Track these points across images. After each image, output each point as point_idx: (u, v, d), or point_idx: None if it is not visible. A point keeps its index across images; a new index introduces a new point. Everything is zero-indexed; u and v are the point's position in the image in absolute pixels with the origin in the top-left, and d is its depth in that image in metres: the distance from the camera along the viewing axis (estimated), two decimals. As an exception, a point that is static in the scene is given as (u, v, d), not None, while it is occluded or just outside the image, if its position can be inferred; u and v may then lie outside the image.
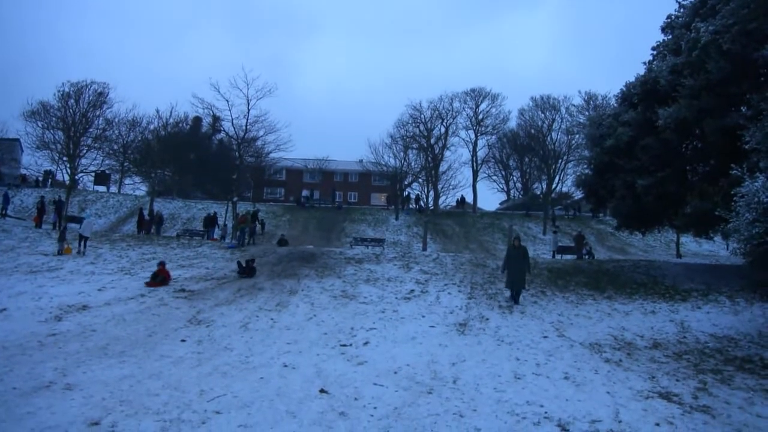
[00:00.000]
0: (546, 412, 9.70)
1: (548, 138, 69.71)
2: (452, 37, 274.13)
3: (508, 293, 22.07)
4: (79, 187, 64.52)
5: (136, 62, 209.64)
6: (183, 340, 15.38)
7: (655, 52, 27.38)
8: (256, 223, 43.86)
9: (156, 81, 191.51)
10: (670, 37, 26.42)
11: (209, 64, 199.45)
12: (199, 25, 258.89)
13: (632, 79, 27.15)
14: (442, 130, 74.09)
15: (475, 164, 76.52)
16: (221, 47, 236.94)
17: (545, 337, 16.23)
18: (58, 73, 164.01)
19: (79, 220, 42.76)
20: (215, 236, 45.44)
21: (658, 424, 9.17)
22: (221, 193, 69.07)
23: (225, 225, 47.90)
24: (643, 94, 25.37)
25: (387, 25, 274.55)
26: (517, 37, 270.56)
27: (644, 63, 27.56)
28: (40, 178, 68.21)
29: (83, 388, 10.68)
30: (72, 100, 53.44)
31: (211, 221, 47.47)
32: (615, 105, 30.16)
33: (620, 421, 9.31)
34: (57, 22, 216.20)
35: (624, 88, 27.58)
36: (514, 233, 36.77)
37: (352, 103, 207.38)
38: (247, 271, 25.91)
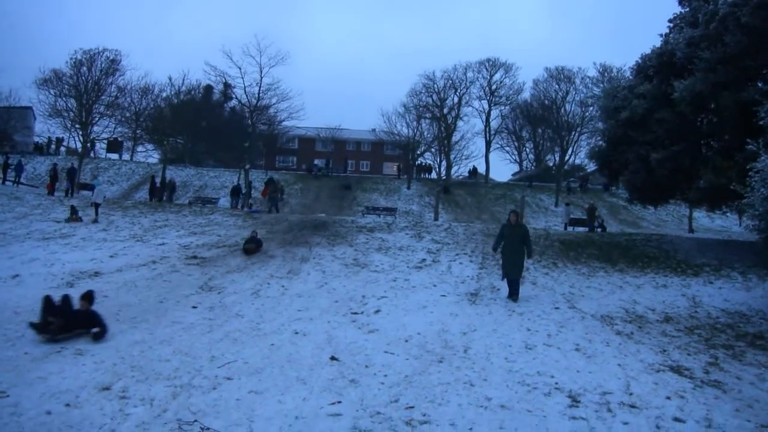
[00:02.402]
0: (557, 383, 9.71)
1: (562, 109, 69.45)
2: (444, 8, 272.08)
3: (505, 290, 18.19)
4: (91, 154, 64.71)
5: (127, 32, 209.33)
6: (194, 307, 15.44)
7: (671, 25, 27.11)
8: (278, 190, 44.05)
9: (151, 51, 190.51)
10: (687, 9, 26.15)
11: (203, 35, 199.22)
12: None
13: (647, 51, 26.98)
14: (456, 100, 73.89)
15: (488, 135, 76.49)
16: (212, 15, 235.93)
17: (556, 308, 16.19)
18: (64, 41, 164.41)
19: (91, 188, 42.89)
20: (238, 205, 45.34)
21: (669, 398, 9.16)
22: (233, 161, 69.10)
23: (246, 193, 47.88)
24: (658, 67, 25.20)
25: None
26: (512, 11, 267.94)
27: (660, 35, 27.32)
28: (43, 144, 68.52)
29: (94, 353, 10.76)
30: (84, 68, 53.59)
31: (237, 191, 47.46)
32: (630, 77, 29.91)
33: (631, 394, 9.30)
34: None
35: (639, 60, 27.38)
36: (519, 206, 36.56)
37: (351, 74, 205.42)
38: (48, 329, 11.74)
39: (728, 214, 32.85)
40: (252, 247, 23.99)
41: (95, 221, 29.32)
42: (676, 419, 8.34)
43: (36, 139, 71.21)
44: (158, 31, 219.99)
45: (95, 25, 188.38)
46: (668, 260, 22.93)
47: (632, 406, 8.77)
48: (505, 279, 17.84)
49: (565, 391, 9.31)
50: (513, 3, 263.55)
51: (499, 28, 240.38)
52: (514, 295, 17.34)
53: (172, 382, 9.24)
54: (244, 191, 47.43)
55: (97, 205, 30.64)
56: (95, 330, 11.99)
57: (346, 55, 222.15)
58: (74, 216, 29.35)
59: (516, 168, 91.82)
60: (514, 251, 17.47)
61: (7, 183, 44.52)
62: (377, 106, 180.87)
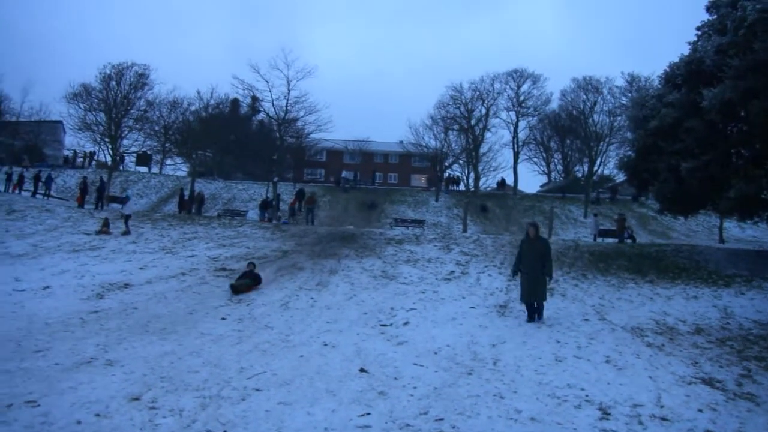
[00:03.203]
0: (587, 395, 9.62)
1: (590, 120, 69.08)
2: (457, 24, 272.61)
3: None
4: (120, 167, 65.40)
5: (148, 45, 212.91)
6: (223, 318, 15.54)
7: (699, 32, 26.88)
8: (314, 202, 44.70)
9: (173, 65, 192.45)
10: (715, 16, 25.90)
11: (220, 51, 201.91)
12: (199, 12, 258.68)
13: (675, 60, 26.76)
14: (483, 111, 73.80)
15: (515, 146, 76.24)
16: (225, 32, 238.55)
17: (586, 320, 16.06)
18: (86, 55, 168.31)
19: (121, 200, 43.42)
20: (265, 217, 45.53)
21: (701, 411, 9.05)
22: (262, 174, 69.40)
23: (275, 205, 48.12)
24: (687, 75, 24.95)
25: (390, 10, 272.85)
26: (527, 23, 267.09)
27: (688, 43, 27.08)
28: (69, 157, 69.60)
29: (124, 364, 10.83)
30: (113, 82, 54.15)
31: (267, 204, 47.65)
32: (658, 86, 29.70)
33: (662, 406, 9.19)
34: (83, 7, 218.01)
35: (668, 69, 27.14)
36: (548, 217, 36.32)
37: (371, 87, 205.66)
38: None
39: (759, 223, 32.52)
40: (243, 284, 19.59)
41: (125, 233, 29.59)
42: (709, 432, 8.26)
43: (65, 152, 72.25)
44: (178, 47, 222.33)
45: (109, 36, 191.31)
46: (699, 271, 22.72)
47: (663, 419, 8.68)
48: (525, 303, 16.01)
49: (596, 404, 9.23)
50: (535, 12, 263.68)
51: (519, 39, 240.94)
52: (534, 312, 15.81)
53: (202, 393, 9.27)
54: (273, 204, 47.62)
55: (127, 217, 30.94)
56: None
57: (365, 68, 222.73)
58: (104, 228, 29.62)
59: (544, 179, 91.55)
60: (534, 271, 15.57)
61: (37, 196, 45.02)
62: (398, 117, 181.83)
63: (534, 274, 15.56)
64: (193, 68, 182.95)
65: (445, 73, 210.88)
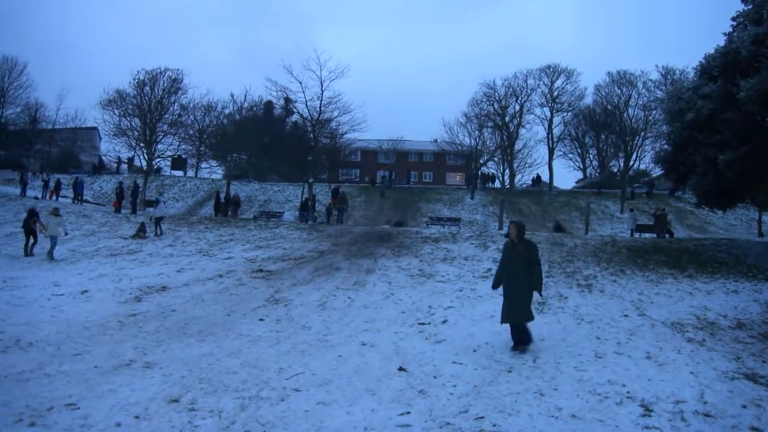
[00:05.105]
0: (628, 392, 9.49)
1: (625, 114, 68.73)
2: (471, 20, 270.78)
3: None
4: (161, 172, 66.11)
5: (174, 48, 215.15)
6: (261, 319, 15.51)
7: (735, 23, 26.55)
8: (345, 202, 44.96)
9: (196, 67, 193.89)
10: (750, 6, 25.58)
11: (226, 53, 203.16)
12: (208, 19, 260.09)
13: (711, 51, 26.43)
14: (517, 107, 73.93)
15: (550, 142, 76.21)
16: (232, 35, 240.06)
17: (625, 315, 15.88)
18: (108, 62, 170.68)
19: (155, 204, 44.00)
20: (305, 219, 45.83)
21: (744, 407, 8.89)
22: (296, 175, 69.61)
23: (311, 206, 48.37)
24: (723, 66, 24.61)
25: (396, 10, 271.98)
26: (544, 17, 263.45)
27: (724, 34, 26.72)
28: (96, 163, 70.68)
29: (163, 366, 10.85)
30: (147, 88, 54.59)
31: (306, 206, 47.94)
32: (694, 78, 29.37)
33: (706, 403, 9.04)
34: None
35: (703, 60, 26.83)
36: (578, 213, 35.96)
37: (382, 89, 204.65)
38: None
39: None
40: None
41: (157, 235, 29.90)
42: (754, 429, 8.10)
43: (100, 157, 73.29)
44: (192, 50, 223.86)
45: (127, 41, 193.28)
46: (738, 265, 22.46)
47: (707, 415, 8.53)
48: (506, 322, 12.45)
49: (638, 400, 9.11)
50: (552, 4, 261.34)
51: (538, 34, 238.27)
52: (518, 344, 12.27)
53: (240, 394, 9.26)
54: (309, 205, 47.89)
55: (158, 220, 31.23)
56: None
57: (379, 68, 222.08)
58: (140, 233, 29.90)
59: (580, 175, 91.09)
60: (515, 282, 12.16)
61: (75, 202, 45.52)
62: (423, 116, 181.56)
63: (515, 288, 12.17)
64: (208, 71, 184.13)
65: (465, 70, 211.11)
